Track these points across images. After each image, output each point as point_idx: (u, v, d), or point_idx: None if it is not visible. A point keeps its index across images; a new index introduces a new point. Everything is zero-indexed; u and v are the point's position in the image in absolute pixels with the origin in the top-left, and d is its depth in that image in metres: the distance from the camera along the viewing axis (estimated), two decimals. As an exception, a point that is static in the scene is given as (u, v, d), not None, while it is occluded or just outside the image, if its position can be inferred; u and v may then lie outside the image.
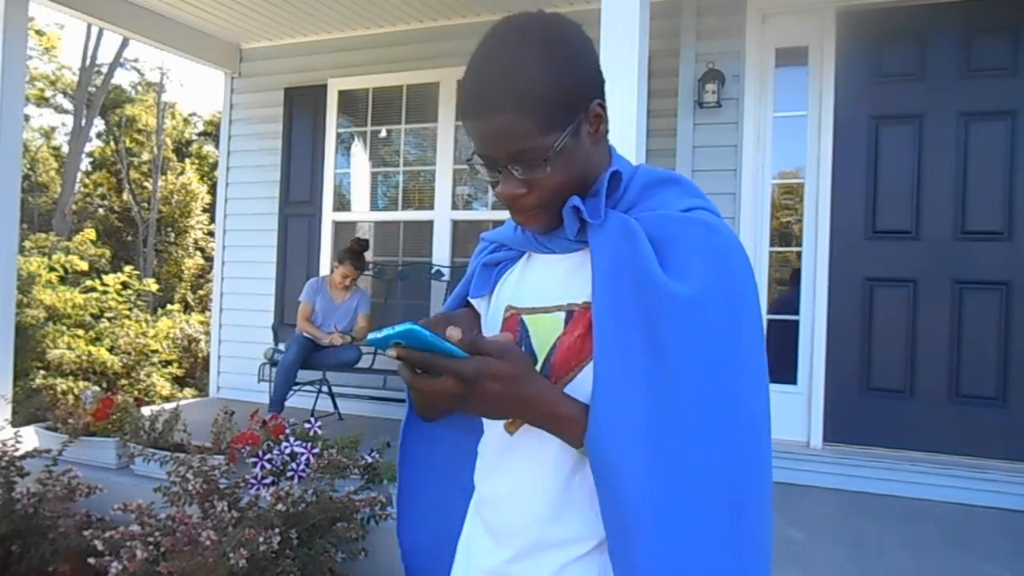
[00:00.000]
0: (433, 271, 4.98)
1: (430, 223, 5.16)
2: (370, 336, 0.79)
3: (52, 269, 11.17)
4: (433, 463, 1.10)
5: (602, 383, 0.83)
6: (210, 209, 16.70)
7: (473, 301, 1.07)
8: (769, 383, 0.88)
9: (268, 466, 2.98)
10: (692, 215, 0.89)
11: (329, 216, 5.45)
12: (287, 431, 3.17)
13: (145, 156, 18.89)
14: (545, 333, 0.92)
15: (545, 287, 0.94)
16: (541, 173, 0.87)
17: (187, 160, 18.87)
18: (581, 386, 0.86)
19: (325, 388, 4.83)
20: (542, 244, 0.95)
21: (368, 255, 5.33)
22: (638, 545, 0.79)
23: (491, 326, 1.00)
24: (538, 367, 0.91)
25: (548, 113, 0.84)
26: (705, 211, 0.90)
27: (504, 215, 4.59)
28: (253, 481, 2.88)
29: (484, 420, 0.99)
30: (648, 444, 0.80)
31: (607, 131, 0.93)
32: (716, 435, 0.82)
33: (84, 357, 10.00)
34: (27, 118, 15.62)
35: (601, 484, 0.82)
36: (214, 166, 15.75)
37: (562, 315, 0.91)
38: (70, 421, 3.60)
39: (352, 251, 4.72)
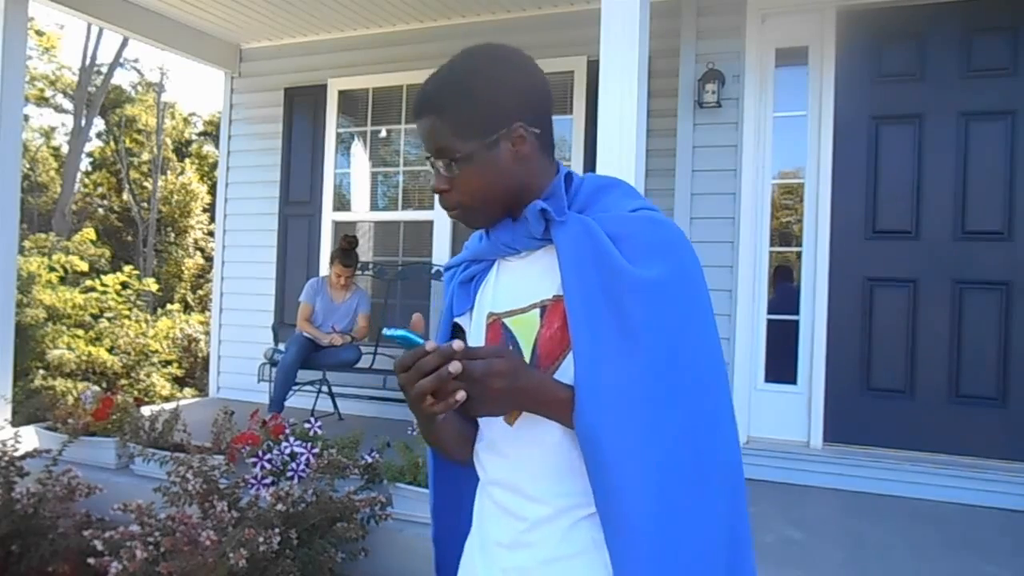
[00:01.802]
0: (433, 271, 4.98)
1: (430, 223, 5.16)
2: (386, 330, 0.91)
3: (52, 269, 11.17)
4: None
5: (580, 365, 0.94)
6: (210, 209, 16.70)
7: (458, 320, 1.15)
8: (720, 353, 0.99)
9: (268, 466, 2.98)
10: (639, 214, 1.00)
11: (329, 216, 5.45)
12: (287, 431, 3.17)
13: (145, 156, 18.89)
14: (526, 331, 1.02)
15: (518, 289, 1.05)
16: (455, 173, 1.02)
17: (187, 160, 18.86)
18: (567, 371, 0.97)
19: (325, 388, 4.83)
20: (507, 246, 1.06)
21: (368, 255, 5.33)
22: (622, 504, 0.91)
23: (476, 336, 1.09)
24: (527, 362, 1.01)
25: (462, 122, 1.00)
26: (649, 210, 1.02)
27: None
28: (253, 481, 2.88)
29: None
30: (623, 414, 0.91)
31: (534, 153, 1.03)
32: (682, 400, 0.93)
33: (84, 357, 9.99)
34: (27, 118, 15.62)
35: (586, 452, 0.93)
36: (214, 166, 15.75)
37: (537, 312, 1.02)
38: (70, 421, 3.60)
39: (341, 249, 4.73)
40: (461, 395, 0.88)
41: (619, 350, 0.93)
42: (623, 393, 0.92)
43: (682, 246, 0.98)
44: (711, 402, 0.96)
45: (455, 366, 0.87)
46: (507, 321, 1.04)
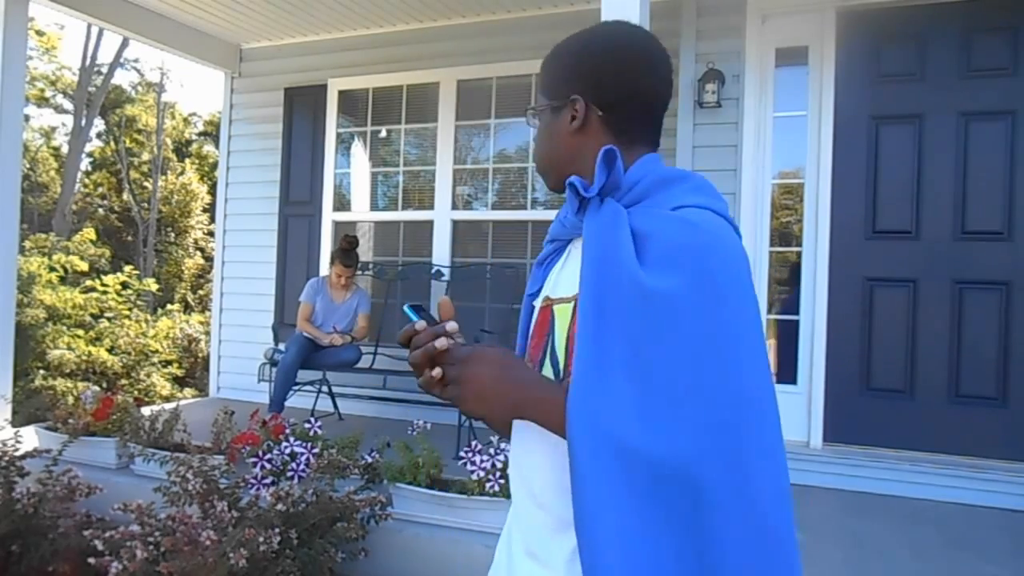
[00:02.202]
0: (433, 271, 4.98)
1: (430, 223, 5.16)
2: (405, 305, 0.95)
3: (52, 269, 11.17)
4: None
5: (575, 374, 0.87)
6: (210, 209, 16.70)
7: (535, 303, 1.09)
8: (765, 377, 0.86)
9: (268, 466, 2.98)
10: (678, 213, 0.91)
11: (329, 216, 5.45)
12: (287, 431, 3.17)
13: (145, 156, 18.89)
14: (564, 322, 0.98)
15: (573, 276, 0.99)
16: (532, 125, 1.09)
17: (187, 160, 18.86)
18: None
19: (325, 388, 4.84)
20: (562, 224, 1.04)
21: (368, 255, 5.33)
22: (581, 535, 0.83)
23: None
24: (560, 355, 0.97)
25: (543, 80, 1.08)
26: (698, 209, 0.92)
27: (502, 216, 4.62)
28: (253, 481, 2.89)
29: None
30: (601, 438, 0.83)
31: (597, 133, 1.01)
32: (676, 434, 0.81)
33: (84, 357, 9.99)
34: (27, 118, 15.62)
35: (570, 468, 0.85)
36: (214, 166, 15.75)
37: (573, 304, 0.96)
38: (70, 421, 3.60)
39: (342, 249, 4.73)
40: (437, 371, 0.88)
41: (616, 365, 0.85)
42: (606, 414, 0.84)
43: (712, 253, 0.86)
44: (721, 441, 0.82)
45: (441, 342, 0.88)
46: (555, 308, 1.00)
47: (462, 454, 2.87)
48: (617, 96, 1.00)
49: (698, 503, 0.81)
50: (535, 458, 0.97)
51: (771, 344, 4.06)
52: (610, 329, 0.87)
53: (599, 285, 0.89)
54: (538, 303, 1.06)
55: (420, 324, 0.91)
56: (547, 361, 0.99)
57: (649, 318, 0.85)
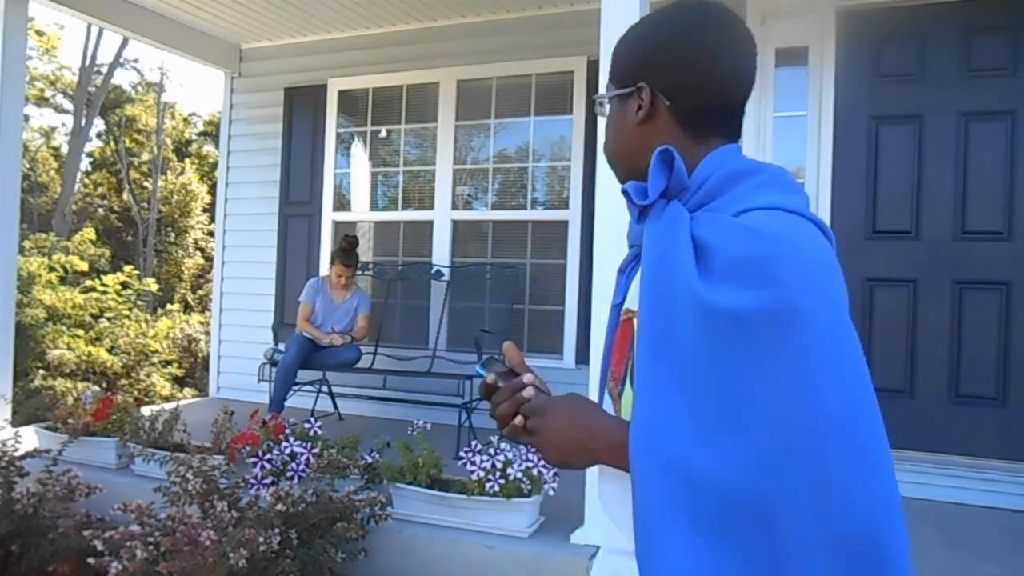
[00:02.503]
0: (433, 271, 4.98)
1: (430, 223, 5.16)
2: (478, 366, 0.96)
3: (52, 269, 11.16)
4: None
5: (637, 397, 0.81)
6: (210, 209, 16.69)
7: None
8: (852, 396, 0.75)
9: (268, 466, 2.98)
10: (741, 219, 0.82)
11: (329, 216, 5.45)
12: (287, 431, 3.17)
13: (145, 156, 18.89)
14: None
15: None
16: (600, 112, 1.01)
17: (187, 160, 18.86)
18: None
19: (325, 388, 4.83)
20: (637, 235, 0.95)
21: (368, 255, 5.33)
22: (647, 555, 0.77)
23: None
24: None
25: (611, 66, 0.99)
26: (767, 211, 0.82)
27: (502, 216, 4.61)
28: (253, 481, 2.88)
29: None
30: (654, 471, 0.77)
31: (665, 125, 0.93)
32: (752, 457, 0.73)
33: (84, 357, 9.99)
34: (27, 118, 15.61)
35: (633, 497, 0.79)
36: (214, 166, 15.75)
37: None
38: (70, 421, 3.60)
39: (342, 249, 4.74)
40: (519, 419, 0.89)
41: (677, 388, 0.78)
42: (668, 441, 0.77)
43: (779, 264, 0.76)
44: (795, 469, 0.72)
45: (528, 391, 0.90)
46: (636, 321, 0.90)
47: (462, 454, 2.87)
48: (686, 83, 0.91)
49: (774, 538, 0.72)
50: (613, 488, 0.93)
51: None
52: (670, 350, 0.79)
53: (656, 302, 0.82)
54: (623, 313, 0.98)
55: (490, 378, 0.93)
56: (627, 380, 0.92)
57: (713, 338, 0.76)
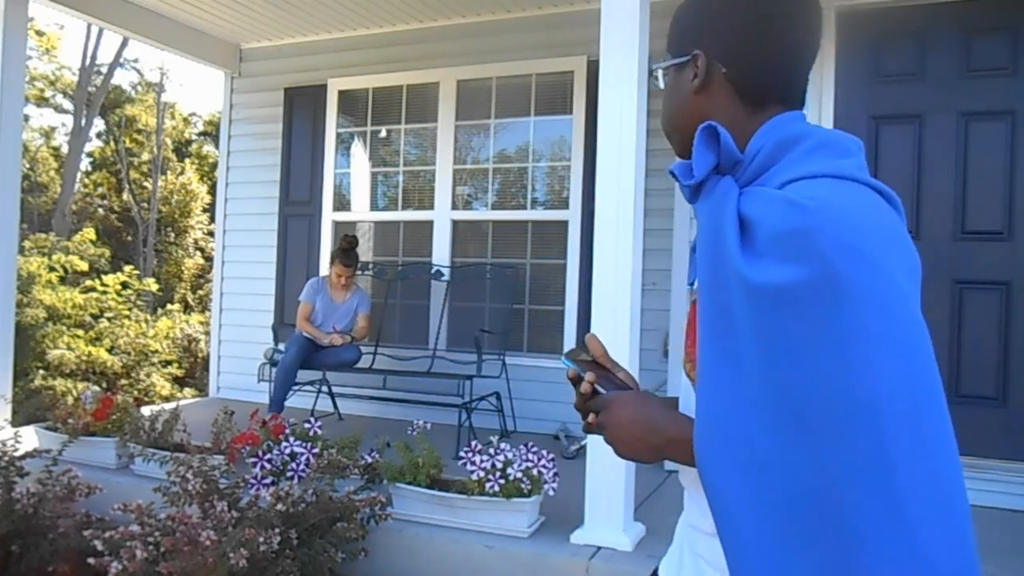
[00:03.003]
0: (433, 271, 4.98)
1: (430, 223, 5.16)
2: (563, 358, 0.98)
3: (52, 269, 11.16)
4: None
5: (698, 383, 0.82)
6: (210, 209, 16.69)
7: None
8: (911, 375, 0.73)
9: (268, 466, 2.98)
10: (784, 190, 0.79)
11: (329, 216, 5.45)
12: (287, 431, 3.17)
13: (145, 156, 18.88)
14: None
15: None
16: (657, 86, 1.00)
17: (187, 160, 18.85)
18: None
19: (325, 388, 4.83)
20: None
21: (368, 255, 5.33)
22: (727, 547, 0.77)
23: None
24: None
25: (669, 36, 0.98)
26: (811, 180, 0.79)
27: (502, 216, 4.59)
28: (253, 481, 2.89)
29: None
30: (719, 454, 0.77)
31: (722, 94, 0.91)
32: (793, 451, 0.72)
33: (84, 357, 9.99)
34: (27, 118, 15.61)
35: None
36: (214, 166, 15.74)
37: None
38: (70, 421, 3.60)
39: (342, 249, 4.74)
40: (591, 417, 0.93)
41: (732, 375, 0.77)
42: (725, 427, 0.77)
43: (822, 235, 0.72)
44: (840, 460, 0.70)
45: (584, 387, 0.93)
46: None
47: (462, 454, 2.87)
48: (740, 49, 0.89)
49: (841, 529, 0.70)
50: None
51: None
52: (726, 333, 0.78)
53: (710, 284, 0.80)
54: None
55: (571, 372, 0.96)
56: None
57: (759, 318, 0.74)
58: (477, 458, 2.81)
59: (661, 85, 0.99)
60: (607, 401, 0.91)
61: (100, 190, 18.41)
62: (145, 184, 18.39)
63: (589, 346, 0.97)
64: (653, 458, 0.90)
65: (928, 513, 0.69)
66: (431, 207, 5.18)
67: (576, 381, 0.94)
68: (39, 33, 16.62)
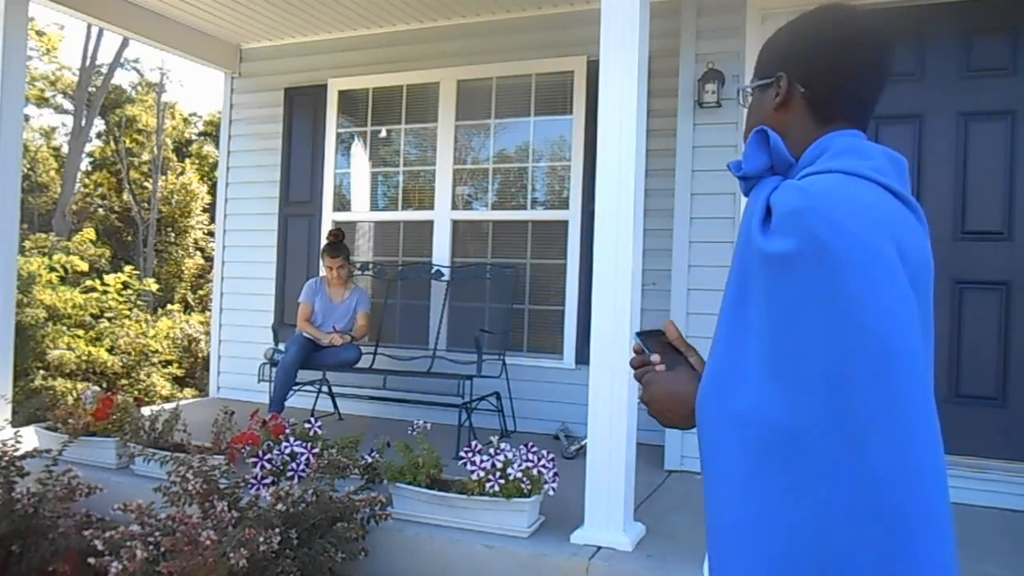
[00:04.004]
0: (433, 271, 4.98)
1: (430, 223, 5.16)
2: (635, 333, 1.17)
3: (52, 269, 11.16)
4: None
5: (713, 348, 0.95)
6: (210, 209, 16.69)
7: None
8: (888, 340, 0.83)
9: (268, 466, 2.98)
10: (800, 181, 0.94)
11: (329, 216, 5.45)
12: (287, 431, 3.18)
13: (145, 156, 18.88)
14: None
15: None
16: (744, 104, 1.16)
17: (187, 160, 18.86)
18: None
19: (325, 388, 4.84)
20: None
21: (368, 255, 5.34)
22: (707, 493, 0.92)
23: None
24: None
25: (759, 60, 1.12)
26: (822, 174, 0.94)
27: (502, 216, 4.59)
28: (253, 481, 2.89)
29: None
30: (714, 404, 0.92)
31: (798, 112, 1.05)
32: (781, 400, 0.86)
33: (84, 357, 9.99)
34: (27, 118, 15.61)
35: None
36: (214, 166, 15.75)
37: None
38: (70, 421, 3.60)
39: (328, 244, 4.77)
40: (641, 391, 1.08)
41: (740, 333, 0.92)
42: (725, 386, 0.91)
43: (815, 214, 0.86)
44: (826, 408, 0.83)
45: (633, 359, 1.11)
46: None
47: (462, 454, 2.87)
48: (814, 72, 1.03)
49: (810, 468, 0.84)
50: None
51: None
52: (742, 302, 0.93)
53: (739, 261, 0.95)
54: None
55: (636, 345, 1.11)
56: None
57: (765, 280, 0.89)
58: (477, 458, 2.81)
59: (746, 101, 1.15)
60: (645, 381, 1.07)
61: (100, 190, 18.41)
62: (145, 184, 18.40)
63: (666, 330, 1.11)
64: (689, 424, 1.02)
65: (887, 450, 0.84)
66: (431, 207, 5.18)
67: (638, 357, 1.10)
68: (39, 33, 16.63)
